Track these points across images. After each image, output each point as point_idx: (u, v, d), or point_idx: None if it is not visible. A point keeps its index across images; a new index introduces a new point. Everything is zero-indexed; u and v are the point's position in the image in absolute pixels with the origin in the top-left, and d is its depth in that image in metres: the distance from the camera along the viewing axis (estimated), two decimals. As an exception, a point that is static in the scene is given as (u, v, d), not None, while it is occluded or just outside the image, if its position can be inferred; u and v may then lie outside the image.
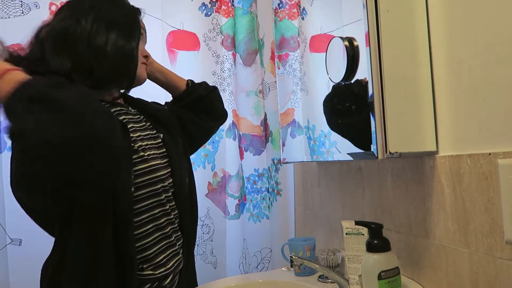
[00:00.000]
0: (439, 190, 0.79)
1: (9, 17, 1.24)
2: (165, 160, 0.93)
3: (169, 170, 0.92)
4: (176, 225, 0.94)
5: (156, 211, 0.88)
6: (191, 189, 1.04)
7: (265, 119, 1.55)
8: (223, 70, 1.49)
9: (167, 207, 0.90)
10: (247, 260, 1.48)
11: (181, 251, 0.95)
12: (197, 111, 1.12)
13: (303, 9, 1.11)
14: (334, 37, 0.92)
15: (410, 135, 0.79)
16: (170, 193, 0.92)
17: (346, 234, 0.95)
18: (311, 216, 1.38)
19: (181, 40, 1.45)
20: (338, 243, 1.17)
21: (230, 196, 1.46)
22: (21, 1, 1.25)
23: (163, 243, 0.88)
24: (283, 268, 1.23)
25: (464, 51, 0.73)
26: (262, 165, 1.53)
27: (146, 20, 1.37)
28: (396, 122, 0.78)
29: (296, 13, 1.16)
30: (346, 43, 0.86)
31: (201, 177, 1.44)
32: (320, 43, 1.01)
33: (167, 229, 0.90)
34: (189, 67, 1.44)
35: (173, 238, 0.92)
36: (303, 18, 1.11)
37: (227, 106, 1.48)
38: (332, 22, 0.96)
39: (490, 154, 0.67)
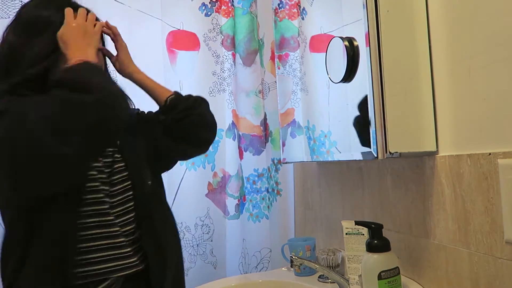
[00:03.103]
0: (439, 190, 0.79)
1: (9, 17, 1.23)
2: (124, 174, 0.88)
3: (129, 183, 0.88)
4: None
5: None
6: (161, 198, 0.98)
7: (265, 119, 1.55)
8: (223, 70, 1.49)
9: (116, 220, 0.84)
10: (247, 260, 1.48)
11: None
12: (171, 132, 0.95)
13: (303, 9, 1.11)
14: (334, 37, 0.92)
15: (410, 135, 0.79)
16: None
17: (346, 234, 0.95)
18: (311, 216, 1.38)
19: (181, 40, 1.44)
20: (338, 243, 1.17)
21: (230, 196, 1.46)
22: (21, 1, 1.24)
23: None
24: (283, 268, 1.23)
25: (464, 51, 0.73)
26: (262, 165, 1.53)
27: (146, 20, 1.38)
28: (396, 122, 0.78)
29: (296, 13, 1.16)
30: (346, 43, 0.86)
31: (201, 177, 1.44)
32: (320, 43, 1.01)
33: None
34: (189, 67, 1.44)
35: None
36: (303, 18, 1.11)
37: (227, 106, 1.48)
38: (332, 22, 0.96)
39: (490, 154, 0.67)
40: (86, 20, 0.84)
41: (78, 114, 0.69)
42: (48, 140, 0.67)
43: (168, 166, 1.07)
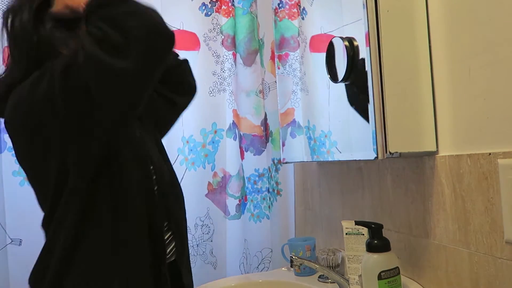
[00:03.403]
0: (439, 190, 0.79)
1: (9, 17, 1.23)
2: None
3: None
4: None
5: None
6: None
7: (265, 119, 1.55)
8: (223, 70, 1.49)
9: None
10: (248, 261, 1.48)
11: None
12: (165, 85, 0.98)
13: (303, 9, 1.11)
14: (334, 37, 0.92)
15: (410, 135, 0.79)
16: None
17: (346, 234, 0.95)
18: (311, 216, 1.38)
19: (181, 40, 1.44)
20: (338, 243, 1.17)
21: (230, 196, 1.46)
22: (21, 1, 1.25)
23: None
24: (283, 268, 1.23)
25: (464, 51, 0.73)
26: (262, 165, 1.53)
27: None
28: (396, 122, 0.78)
29: (296, 13, 1.16)
30: (346, 43, 0.86)
31: (201, 177, 1.44)
32: (320, 43, 1.01)
33: None
34: (189, 67, 1.44)
35: None
36: (303, 18, 1.11)
37: (227, 106, 1.48)
38: (332, 22, 0.96)
39: (490, 154, 0.67)
40: None
41: (131, 24, 0.67)
42: (107, 59, 0.65)
43: (163, 131, 1.07)
